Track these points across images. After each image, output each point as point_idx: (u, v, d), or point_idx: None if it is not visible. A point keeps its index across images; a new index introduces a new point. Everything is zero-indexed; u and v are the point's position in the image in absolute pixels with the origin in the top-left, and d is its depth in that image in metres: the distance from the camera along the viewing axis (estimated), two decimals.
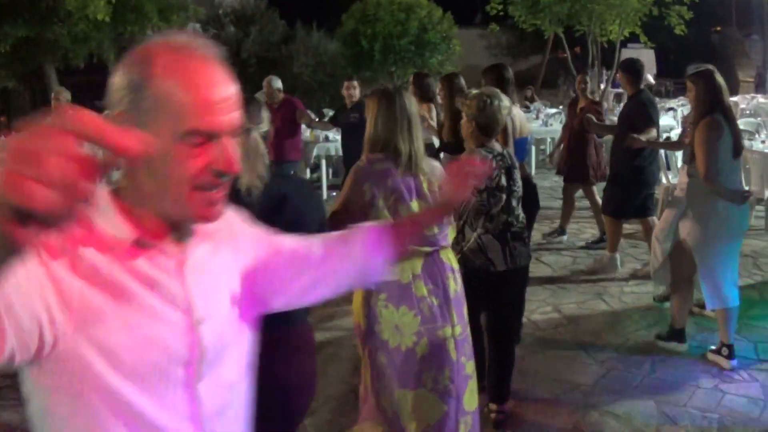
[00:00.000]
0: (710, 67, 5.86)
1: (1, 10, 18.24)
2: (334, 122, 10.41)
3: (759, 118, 16.89)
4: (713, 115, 5.48)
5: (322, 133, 13.47)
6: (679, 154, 8.41)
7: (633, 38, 27.83)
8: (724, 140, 5.48)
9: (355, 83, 9.57)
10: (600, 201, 8.73)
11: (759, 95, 25.64)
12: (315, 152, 13.86)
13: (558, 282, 7.87)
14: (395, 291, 3.86)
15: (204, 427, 1.56)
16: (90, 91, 17.96)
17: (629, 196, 7.82)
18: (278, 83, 10.11)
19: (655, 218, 7.88)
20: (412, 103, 3.90)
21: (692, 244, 5.68)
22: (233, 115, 1.46)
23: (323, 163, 13.60)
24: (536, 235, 9.47)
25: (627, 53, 35.73)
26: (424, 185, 3.82)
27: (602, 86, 25.02)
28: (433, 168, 3.94)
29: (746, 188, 6.00)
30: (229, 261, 1.67)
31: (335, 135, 12.73)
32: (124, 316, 1.40)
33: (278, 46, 39.21)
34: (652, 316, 6.82)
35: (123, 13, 20.20)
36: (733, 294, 5.77)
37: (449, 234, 4.11)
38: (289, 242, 1.84)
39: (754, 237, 9.50)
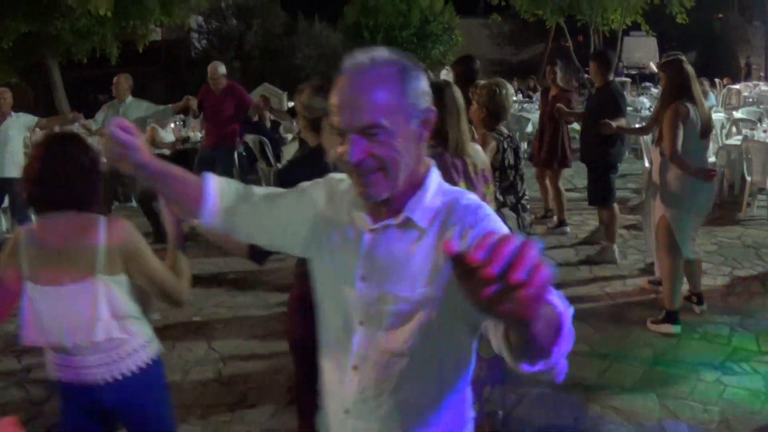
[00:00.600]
0: (680, 56, 6.34)
1: (3, 6, 18.25)
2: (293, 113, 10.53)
3: (762, 106, 16.85)
4: (681, 101, 6.01)
5: None
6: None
7: (635, 27, 27.77)
8: (691, 122, 6.00)
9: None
10: (562, 187, 9.69)
11: (761, 83, 25.57)
12: None
13: (559, 274, 7.83)
14: None
15: None
16: (92, 85, 18.01)
17: (607, 180, 8.20)
18: (223, 69, 10.32)
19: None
20: (458, 94, 4.23)
21: (668, 218, 6.16)
22: (354, 117, 1.76)
23: None
24: (539, 229, 9.48)
25: (629, 42, 35.84)
26: (470, 167, 4.15)
27: None
28: (477, 151, 4.31)
29: (711, 167, 6.50)
30: None
31: None
32: None
33: (280, 38, 39.19)
34: (655, 308, 6.82)
35: (125, 7, 20.20)
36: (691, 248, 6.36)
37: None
38: None
39: (757, 227, 9.50)
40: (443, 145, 4.09)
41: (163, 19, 22.03)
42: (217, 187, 2.09)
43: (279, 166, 12.60)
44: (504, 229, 1.74)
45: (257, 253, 3.03)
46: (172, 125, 16.44)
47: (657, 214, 6.33)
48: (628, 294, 7.31)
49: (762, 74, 33.83)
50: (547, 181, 9.88)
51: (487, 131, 5.12)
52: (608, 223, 8.38)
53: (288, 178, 2.85)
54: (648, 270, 7.76)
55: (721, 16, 48.78)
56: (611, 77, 8.38)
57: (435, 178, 1.92)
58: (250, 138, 12.87)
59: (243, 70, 36.83)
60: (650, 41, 32.73)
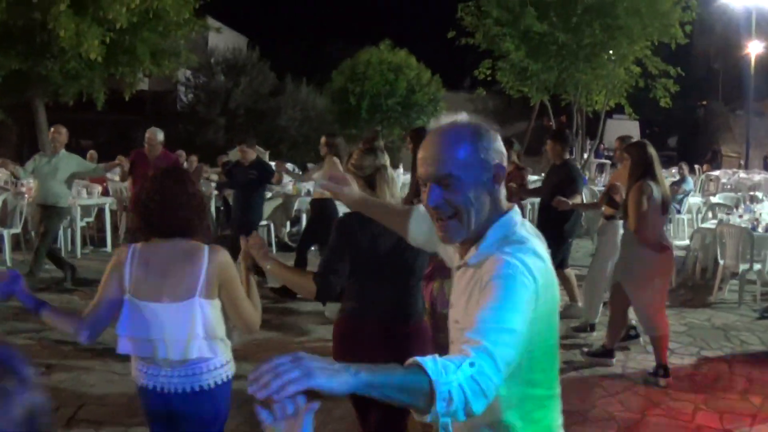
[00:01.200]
0: (644, 140, 7.30)
1: None
2: (228, 175, 10.84)
3: (739, 193, 17.08)
4: (644, 180, 6.69)
5: (303, 187, 13.52)
6: None
7: (618, 109, 28.08)
8: (654, 200, 6.67)
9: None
10: None
11: (740, 171, 25.94)
12: (296, 206, 13.91)
13: None
14: None
15: None
16: (76, 129, 18.00)
17: (557, 250, 8.52)
18: (161, 136, 10.23)
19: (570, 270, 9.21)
20: None
21: (625, 284, 6.98)
22: (432, 168, 2.11)
23: (303, 216, 13.62)
24: None
25: (611, 124, 36.28)
26: None
27: (585, 155, 25.17)
28: None
29: (669, 242, 7.19)
30: None
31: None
32: None
33: (267, 98, 39.42)
34: (620, 378, 6.84)
35: (116, 54, 20.33)
36: (664, 321, 6.94)
37: None
38: None
39: (727, 310, 9.59)
40: None
41: (152, 69, 22.12)
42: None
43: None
44: (496, 295, 1.98)
45: (323, 296, 3.78)
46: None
47: (616, 276, 7.25)
48: (592, 363, 7.33)
49: (742, 162, 34.42)
50: None
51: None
52: (565, 285, 8.89)
53: (347, 226, 3.77)
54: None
55: (705, 103, 49.68)
56: (567, 156, 8.98)
57: (503, 225, 2.17)
58: (227, 193, 12.88)
59: (228, 127, 37.02)
60: (632, 125, 33.18)
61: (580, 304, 8.92)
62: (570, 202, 8.03)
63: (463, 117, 2.19)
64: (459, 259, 2.26)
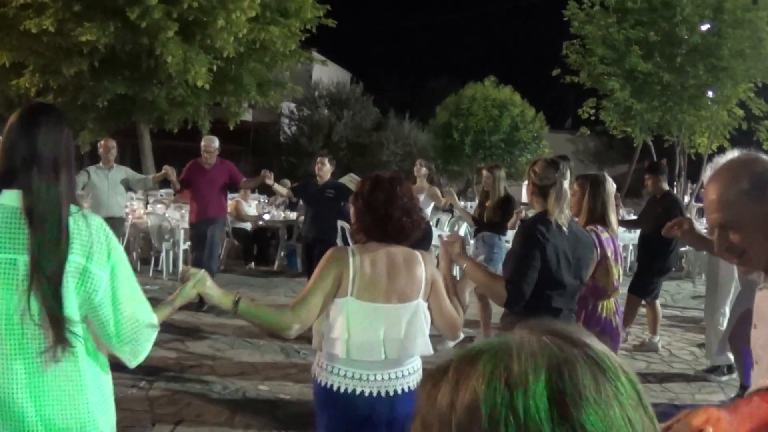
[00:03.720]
0: None
1: (103, 66, 18.61)
2: (296, 191, 11.11)
3: None
4: None
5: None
6: None
7: (721, 152, 27.36)
8: None
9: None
10: None
11: None
12: None
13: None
14: None
15: None
16: (180, 156, 18.01)
17: (657, 282, 8.89)
18: (217, 143, 10.28)
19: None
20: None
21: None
22: (713, 216, 2.13)
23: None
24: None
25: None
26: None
27: (686, 198, 24.40)
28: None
29: None
30: None
31: None
32: None
33: (369, 133, 39.52)
34: None
35: (222, 82, 20.47)
36: None
37: None
38: None
39: None
40: (603, 225, 5.15)
41: (258, 98, 22.19)
42: None
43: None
44: None
45: (514, 303, 3.92)
46: (255, 202, 16.62)
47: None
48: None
49: None
50: None
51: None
52: (651, 317, 8.90)
53: (529, 234, 4.00)
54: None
55: None
56: (667, 187, 8.98)
57: None
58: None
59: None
60: None
61: (657, 338, 8.92)
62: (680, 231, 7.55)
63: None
64: (762, 278, 2.27)
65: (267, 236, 14.49)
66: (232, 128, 22.35)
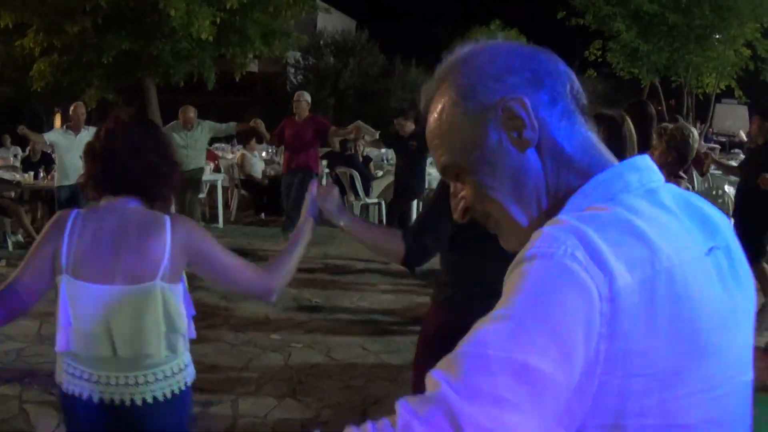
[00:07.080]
0: None
1: (107, 22, 18.54)
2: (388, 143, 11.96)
3: None
4: None
5: None
6: None
7: (728, 92, 27.29)
8: None
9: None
10: None
11: None
12: None
13: None
14: None
15: None
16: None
17: (760, 238, 7.56)
18: (307, 96, 11.34)
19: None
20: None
21: None
22: None
23: None
24: None
25: (720, 109, 35.00)
26: None
27: None
28: None
29: None
30: None
31: None
32: None
33: (376, 79, 39.39)
34: None
35: (226, 34, 20.33)
36: None
37: None
38: None
39: None
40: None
41: (263, 49, 22.07)
42: None
43: (368, 200, 12.56)
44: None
45: (414, 259, 2.80)
46: (264, 153, 16.63)
47: None
48: None
49: None
50: None
51: (672, 176, 5.09)
52: (761, 282, 7.16)
53: None
54: None
55: None
56: None
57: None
58: (341, 170, 12.79)
59: (337, 108, 37.03)
60: (741, 109, 31.94)
61: None
62: None
63: None
64: None
65: (277, 186, 14.58)
66: (237, 80, 22.31)
